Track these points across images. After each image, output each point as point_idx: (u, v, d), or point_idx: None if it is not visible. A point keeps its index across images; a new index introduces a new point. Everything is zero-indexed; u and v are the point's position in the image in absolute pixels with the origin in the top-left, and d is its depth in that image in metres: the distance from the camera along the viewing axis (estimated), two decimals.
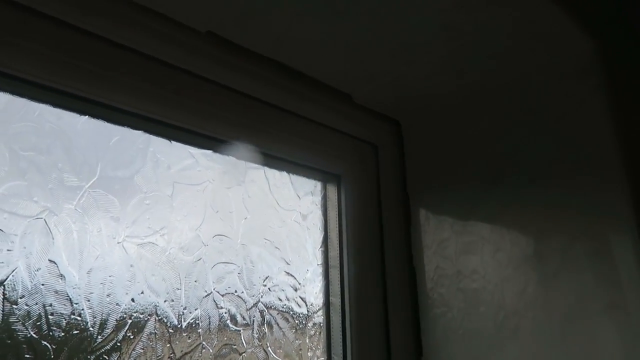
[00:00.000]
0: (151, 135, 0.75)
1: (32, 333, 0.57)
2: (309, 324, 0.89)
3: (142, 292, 0.68)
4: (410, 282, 0.99)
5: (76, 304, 0.62)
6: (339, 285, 0.93)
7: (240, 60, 0.81)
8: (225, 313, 0.76)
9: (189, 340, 0.71)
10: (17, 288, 0.58)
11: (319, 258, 0.95)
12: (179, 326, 0.70)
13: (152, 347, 0.67)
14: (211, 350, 0.73)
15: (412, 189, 1.05)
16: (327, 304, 0.93)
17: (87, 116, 0.69)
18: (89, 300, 0.63)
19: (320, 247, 0.96)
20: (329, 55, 0.85)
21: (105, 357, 0.62)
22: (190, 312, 0.72)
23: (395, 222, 1.02)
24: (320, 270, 0.94)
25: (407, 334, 0.94)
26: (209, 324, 0.74)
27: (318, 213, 0.98)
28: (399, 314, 0.95)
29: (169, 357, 0.68)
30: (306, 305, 0.89)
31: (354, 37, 0.80)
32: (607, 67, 0.78)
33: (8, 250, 0.58)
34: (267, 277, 0.84)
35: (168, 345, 0.68)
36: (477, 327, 0.88)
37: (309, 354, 0.87)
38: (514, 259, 0.85)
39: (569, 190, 0.79)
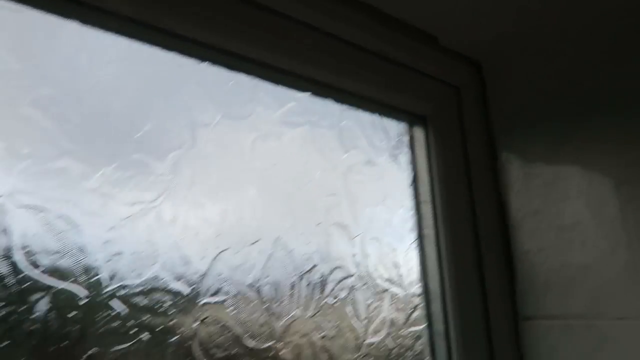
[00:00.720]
0: (259, 80, 0.82)
1: (185, 249, 0.66)
2: (406, 254, 0.95)
3: (266, 218, 0.76)
4: (499, 217, 1.03)
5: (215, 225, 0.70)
6: (432, 219, 0.98)
7: (335, 5, 0.86)
8: (335, 240, 0.83)
9: (307, 262, 0.79)
10: (168, 210, 0.66)
11: (410, 194, 1.00)
12: (298, 249, 0.78)
13: (278, 265, 0.75)
14: (326, 271, 0.80)
15: (496, 129, 1.08)
16: (420, 235, 0.98)
17: (206, 62, 0.76)
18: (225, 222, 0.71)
19: (411, 184, 1.01)
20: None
21: (241, 270, 0.71)
22: (307, 239, 0.80)
23: (481, 160, 1.06)
24: (412, 204, 1.00)
25: (500, 262, 0.99)
26: (322, 249, 0.81)
27: (407, 152, 1.03)
28: (491, 246, 0.99)
29: (291, 276, 0.76)
30: (402, 236, 0.95)
31: None
32: None
33: (158, 177, 0.66)
34: (367, 209, 0.91)
35: (290, 264, 0.76)
36: (566, 258, 0.91)
37: (407, 280, 0.93)
38: (599, 192, 0.87)
39: None
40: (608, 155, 0.88)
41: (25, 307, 0.53)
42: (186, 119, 0.71)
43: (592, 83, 0.92)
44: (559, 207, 0.94)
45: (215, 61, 0.76)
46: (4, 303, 0.52)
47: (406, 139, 1.04)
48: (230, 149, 0.75)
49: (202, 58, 0.76)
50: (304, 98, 0.88)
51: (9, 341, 0.52)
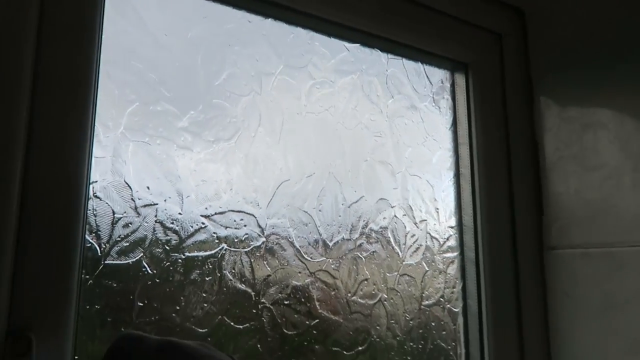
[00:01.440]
0: (314, 33, 0.93)
1: (255, 178, 0.81)
2: (443, 191, 1.06)
3: (320, 155, 0.89)
4: (532, 158, 1.12)
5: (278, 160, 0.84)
6: (469, 159, 1.08)
7: None
8: (380, 175, 0.96)
9: (355, 192, 0.92)
10: (241, 146, 0.80)
11: (450, 136, 1.10)
12: (347, 182, 0.91)
13: (329, 195, 0.88)
14: (371, 200, 0.94)
15: (535, 74, 1.14)
16: (457, 174, 1.09)
17: (270, 19, 0.87)
18: (285, 157, 0.85)
19: (451, 127, 1.11)
20: None
21: (300, 196, 0.85)
22: (354, 174, 0.93)
23: (518, 104, 1.14)
24: (451, 146, 1.10)
25: (530, 197, 1.09)
26: (368, 182, 0.94)
27: (448, 98, 1.12)
28: (522, 183, 1.09)
29: (340, 204, 0.90)
30: (441, 174, 1.07)
31: None
32: None
33: (233, 119, 0.80)
34: (409, 150, 1.02)
35: (340, 194, 0.90)
36: (591, 195, 1.00)
37: (444, 213, 1.05)
38: (628, 134, 0.94)
39: None
40: (638, 100, 0.94)
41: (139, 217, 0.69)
42: (254, 69, 0.84)
43: (621, 33, 0.97)
44: (589, 148, 1.02)
45: (277, 17, 0.88)
46: (126, 214, 0.68)
47: (448, 85, 1.13)
48: (291, 94, 0.87)
49: (266, 15, 0.87)
50: (354, 48, 0.98)
51: (127, 243, 0.69)
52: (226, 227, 0.78)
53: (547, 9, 1.12)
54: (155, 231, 0.71)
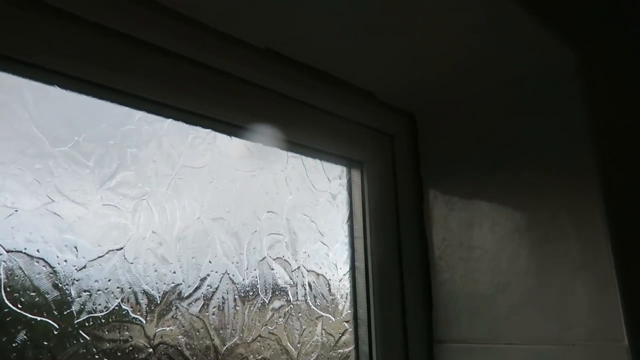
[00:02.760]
0: (217, 133, 0.94)
1: (144, 284, 0.78)
2: (339, 284, 1.09)
3: (216, 256, 0.88)
4: (421, 251, 1.19)
5: (171, 264, 0.82)
6: (363, 253, 1.13)
7: (277, 65, 0.99)
8: (277, 273, 0.96)
9: (251, 293, 0.91)
10: (131, 252, 0.78)
11: (346, 230, 1.15)
12: (243, 282, 0.91)
13: (224, 297, 0.87)
14: (266, 300, 0.93)
15: (425, 173, 1.24)
16: (352, 267, 1.13)
17: (170, 119, 0.88)
18: (179, 261, 0.83)
19: (347, 221, 1.16)
20: (356, 61, 1.04)
21: (193, 303, 0.83)
22: (251, 272, 0.92)
23: (409, 200, 1.22)
24: (347, 240, 1.14)
25: (419, 292, 1.15)
26: (265, 281, 0.94)
27: (345, 193, 1.17)
28: (413, 277, 1.15)
29: (236, 305, 0.88)
30: (337, 268, 1.09)
31: (383, 50, 0.98)
32: (584, 75, 0.96)
33: (124, 223, 0.78)
34: (306, 245, 1.04)
35: (235, 296, 0.89)
36: (475, 288, 1.08)
37: (339, 307, 1.07)
38: (508, 231, 1.05)
39: (551, 176, 0.98)
40: (516, 201, 1.06)
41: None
42: (151, 171, 0.83)
43: (502, 139, 1.09)
44: (472, 242, 1.11)
45: (176, 118, 0.88)
46: None
47: (345, 181, 1.19)
48: (189, 195, 0.87)
49: (167, 116, 0.87)
50: (255, 147, 1.00)
51: None
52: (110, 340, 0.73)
53: (435, 115, 1.24)
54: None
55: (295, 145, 1.07)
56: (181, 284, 0.83)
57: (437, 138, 1.23)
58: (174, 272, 0.82)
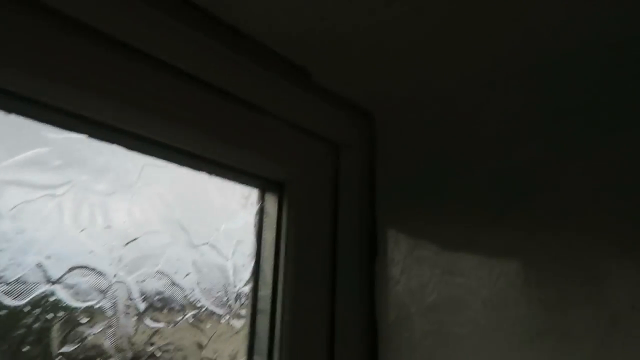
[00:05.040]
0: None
1: None
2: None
3: None
4: (366, 326, 0.74)
5: None
6: (267, 339, 0.67)
7: None
8: None
9: None
10: None
11: (242, 299, 0.68)
12: None
13: None
14: None
15: (382, 204, 0.79)
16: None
17: None
18: None
19: (248, 283, 0.69)
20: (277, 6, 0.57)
21: None
22: None
23: (355, 251, 0.76)
24: (244, 313, 0.68)
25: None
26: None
27: (249, 234, 0.71)
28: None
29: None
30: None
31: None
32: None
33: None
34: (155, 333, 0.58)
35: None
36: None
37: None
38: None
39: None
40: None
41: None
42: None
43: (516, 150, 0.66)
44: (451, 316, 0.67)
45: None
46: None
47: (250, 214, 0.72)
48: None
49: None
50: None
51: None
52: None
53: (408, 114, 0.79)
54: None
55: (160, 148, 0.60)
56: None
57: (406, 150, 0.78)
58: None
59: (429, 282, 0.73)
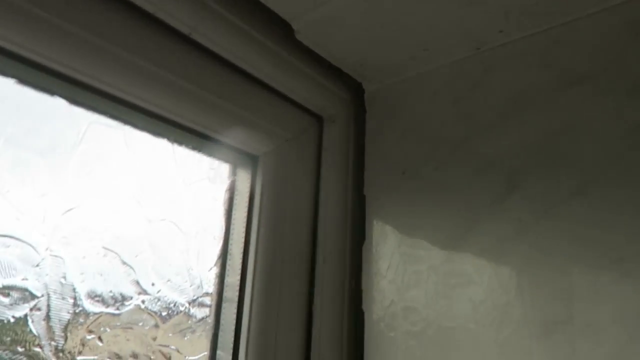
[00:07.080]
0: None
1: None
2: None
3: None
4: (354, 327, 0.66)
5: None
6: (233, 332, 0.58)
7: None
8: None
9: None
10: None
11: (206, 285, 0.60)
12: None
13: None
14: None
15: (370, 186, 0.71)
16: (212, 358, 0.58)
17: None
18: None
19: (213, 267, 0.61)
20: None
21: None
22: None
23: (339, 235, 0.68)
24: (208, 301, 0.59)
25: None
26: None
27: (218, 213, 0.62)
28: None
29: None
30: None
31: None
32: None
33: None
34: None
35: None
36: None
37: None
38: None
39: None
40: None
41: None
42: None
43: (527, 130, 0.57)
44: (446, 312, 0.59)
45: None
46: None
47: (221, 190, 0.63)
48: None
49: None
50: None
51: None
52: None
53: (402, 87, 0.70)
54: None
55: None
56: None
57: (399, 126, 0.70)
58: None
59: (417, 278, 0.65)
